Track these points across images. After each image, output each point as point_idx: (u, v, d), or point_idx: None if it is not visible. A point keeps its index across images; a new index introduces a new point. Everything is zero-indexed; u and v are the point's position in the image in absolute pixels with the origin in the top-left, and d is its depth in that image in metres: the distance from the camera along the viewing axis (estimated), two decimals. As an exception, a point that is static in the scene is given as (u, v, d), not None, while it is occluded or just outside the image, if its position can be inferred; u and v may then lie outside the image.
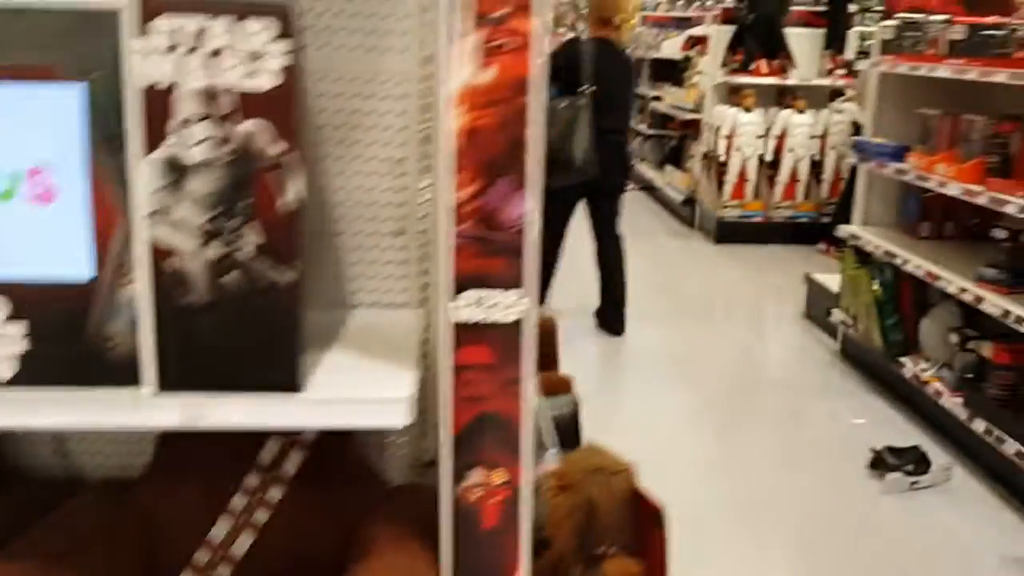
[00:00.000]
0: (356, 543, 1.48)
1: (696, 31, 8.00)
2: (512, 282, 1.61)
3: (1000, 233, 3.43)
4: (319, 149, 1.52)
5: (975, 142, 3.59)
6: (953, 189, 3.59)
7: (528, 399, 1.68)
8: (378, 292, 1.70)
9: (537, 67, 1.50)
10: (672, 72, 8.48)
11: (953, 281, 3.58)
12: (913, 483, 3.31)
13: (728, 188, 7.01)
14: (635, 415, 3.91)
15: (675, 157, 8.32)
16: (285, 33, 0.99)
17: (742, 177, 7.02)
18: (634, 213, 8.41)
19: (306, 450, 1.94)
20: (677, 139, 8.38)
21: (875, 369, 4.29)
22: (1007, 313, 3.23)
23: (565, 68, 4.60)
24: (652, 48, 9.29)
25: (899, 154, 4.07)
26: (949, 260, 3.78)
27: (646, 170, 9.07)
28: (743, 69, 6.95)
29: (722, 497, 3.30)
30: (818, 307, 4.99)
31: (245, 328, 1.04)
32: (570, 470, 1.99)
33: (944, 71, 3.69)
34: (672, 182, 8.22)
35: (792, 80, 6.88)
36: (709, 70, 7.22)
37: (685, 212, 7.80)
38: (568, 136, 4.49)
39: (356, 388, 1.32)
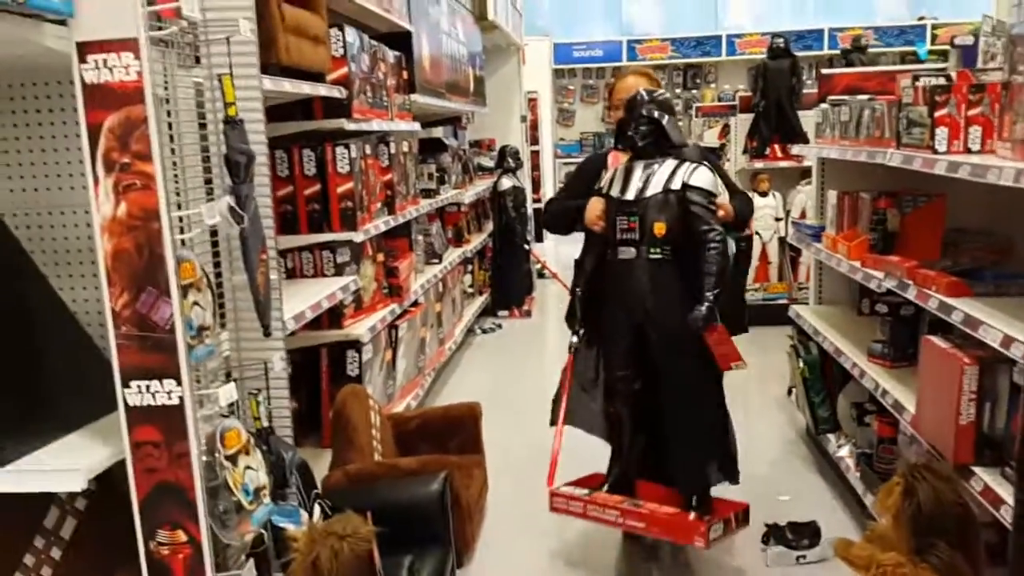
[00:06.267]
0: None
1: (731, 120, 8.20)
2: (168, 373, 2.00)
3: (882, 308, 3.47)
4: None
5: (864, 220, 3.67)
6: (844, 267, 3.67)
7: (199, 470, 2.04)
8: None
9: (163, 200, 1.92)
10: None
11: (850, 357, 3.63)
12: (799, 557, 3.33)
13: (750, 271, 7.07)
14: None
15: (717, 242, 8.41)
16: None
17: (764, 260, 7.08)
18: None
19: (78, 517, 2.36)
20: (718, 225, 8.48)
21: (819, 446, 4.29)
22: (877, 386, 3.27)
23: None
24: (699, 138, 9.50)
25: (818, 234, 4.17)
26: (864, 335, 3.82)
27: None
28: (758, 155, 7.10)
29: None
30: (796, 386, 5.00)
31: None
32: (307, 533, 2.32)
33: (834, 152, 3.83)
34: (712, 267, 8.29)
35: (808, 162, 6.95)
36: (732, 157, 7.40)
37: (722, 296, 7.85)
38: None
39: (43, 461, 1.85)
